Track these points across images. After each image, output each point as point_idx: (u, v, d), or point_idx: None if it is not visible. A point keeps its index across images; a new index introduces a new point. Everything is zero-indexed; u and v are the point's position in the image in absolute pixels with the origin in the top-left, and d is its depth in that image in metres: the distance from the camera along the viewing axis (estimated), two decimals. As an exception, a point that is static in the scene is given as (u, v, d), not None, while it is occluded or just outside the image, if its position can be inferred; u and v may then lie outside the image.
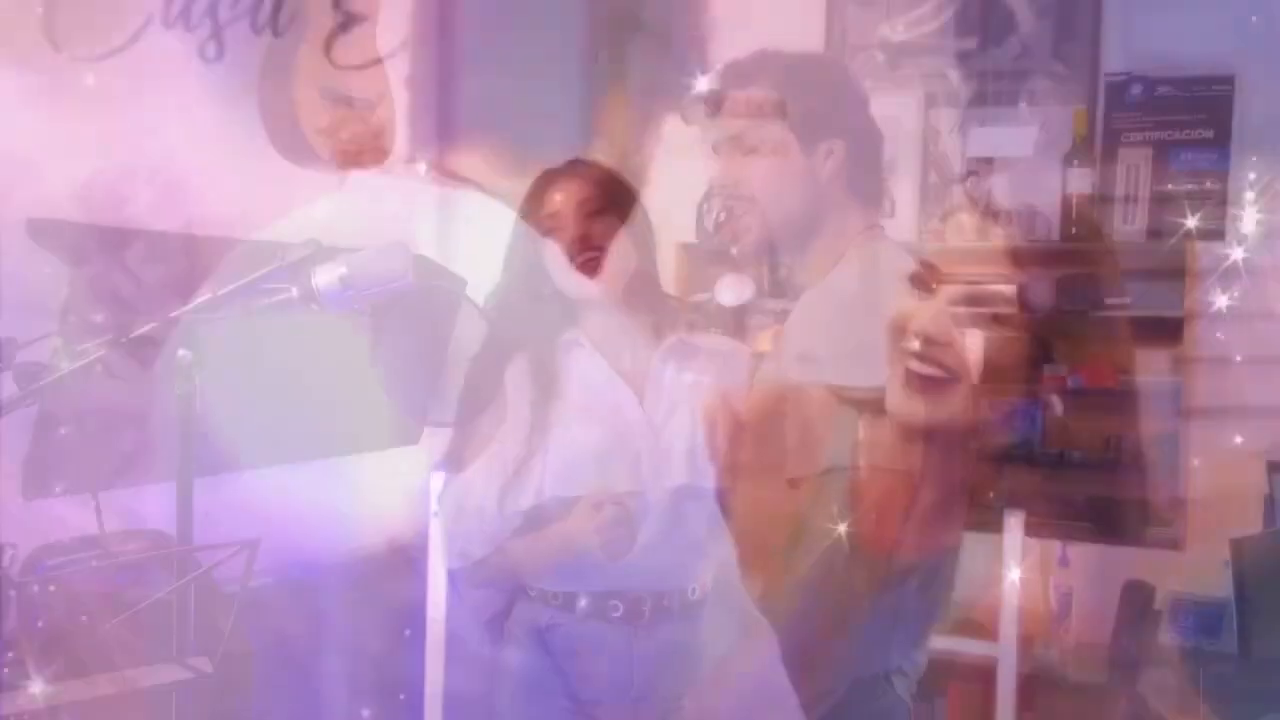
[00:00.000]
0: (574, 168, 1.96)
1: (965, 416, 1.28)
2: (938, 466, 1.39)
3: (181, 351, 1.39)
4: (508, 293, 1.97)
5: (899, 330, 1.27)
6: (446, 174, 2.85)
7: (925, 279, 1.30)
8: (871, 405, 1.40)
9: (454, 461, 1.94)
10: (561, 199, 1.91)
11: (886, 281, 1.61)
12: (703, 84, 1.68)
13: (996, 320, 3.01)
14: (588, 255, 1.88)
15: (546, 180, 1.95)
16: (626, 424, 1.90)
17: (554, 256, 1.91)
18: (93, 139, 2.11)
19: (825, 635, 1.49)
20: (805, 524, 1.45)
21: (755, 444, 1.53)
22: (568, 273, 1.90)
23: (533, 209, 1.93)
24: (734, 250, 1.67)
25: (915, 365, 1.26)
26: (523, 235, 1.95)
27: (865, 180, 1.66)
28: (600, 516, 1.79)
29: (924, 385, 1.27)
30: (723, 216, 1.64)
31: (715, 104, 1.66)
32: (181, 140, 2.27)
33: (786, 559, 1.48)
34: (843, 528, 1.41)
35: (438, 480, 2.48)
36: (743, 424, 1.52)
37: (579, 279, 1.90)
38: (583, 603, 1.90)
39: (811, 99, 1.64)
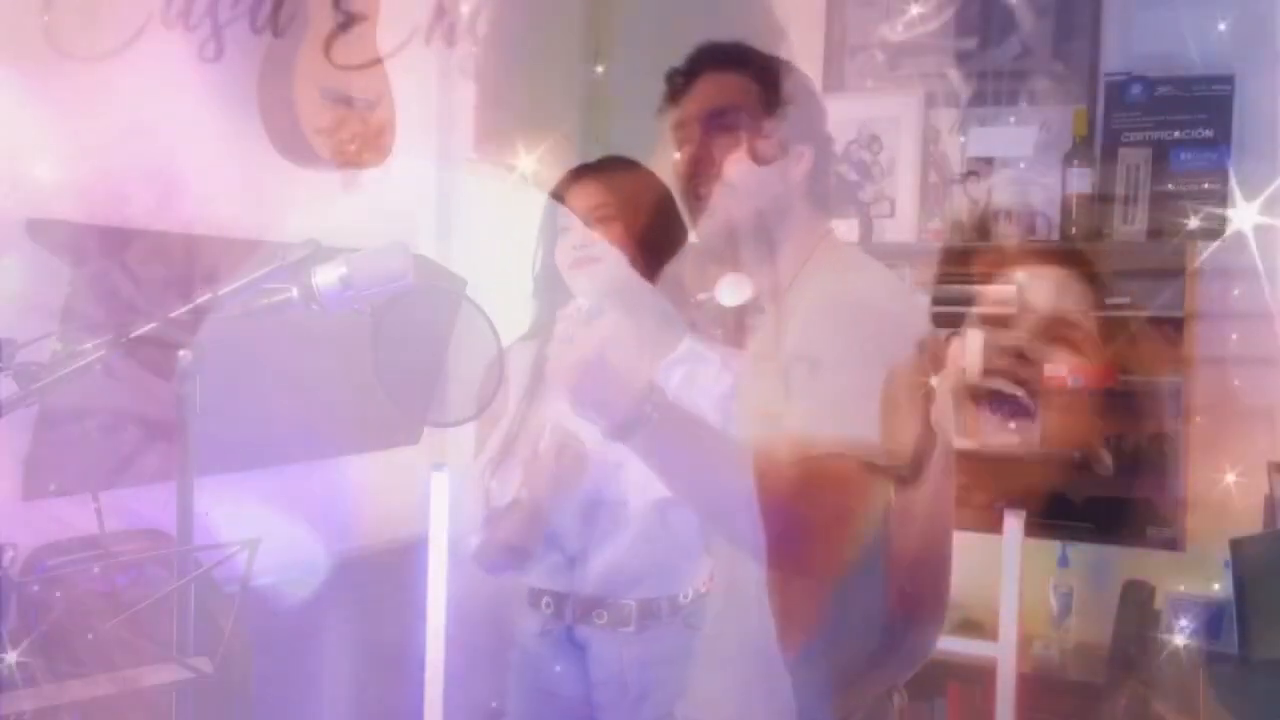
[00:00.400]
0: (602, 166, 1.95)
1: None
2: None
3: (181, 351, 1.38)
4: (532, 285, 1.98)
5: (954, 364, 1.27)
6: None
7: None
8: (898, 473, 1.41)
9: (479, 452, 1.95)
10: (573, 197, 1.91)
11: (864, 284, 1.61)
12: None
13: (997, 320, 3.01)
14: (582, 255, 1.88)
15: (572, 177, 1.94)
16: None
17: (560, 253, 1.91)
18: (92, 139, 2.11)
19: (857, 657, 1.49)
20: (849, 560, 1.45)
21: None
22: (566, 271, 1.91)
23: (555, 204, 1.93)
24: (694, 236, 1.65)
25: (1003, 385, 1.26)
26: (543, 230, 1.96)
27: (824, 189, 1.67)
28: (554, 454, 1.80)
29: (1005, 411, 1.27)
30: (690, 199, 1.62)
31: (689, 77, 1.65)
32: (181, 141, 2.27)
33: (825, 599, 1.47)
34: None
35: (438, 480, 2.48)
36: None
37: (574, 278, 1.90)
38: (569, 609, 1.90)
39: (790, 101, 1.65)
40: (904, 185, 3.17)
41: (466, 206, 3.02)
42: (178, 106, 2.28)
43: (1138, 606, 2.83)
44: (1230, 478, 2.78)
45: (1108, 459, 2.98)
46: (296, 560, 2.32)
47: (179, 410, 1.40)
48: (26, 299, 1.93)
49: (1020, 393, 1.31)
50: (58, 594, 1.59)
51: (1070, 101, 3.05)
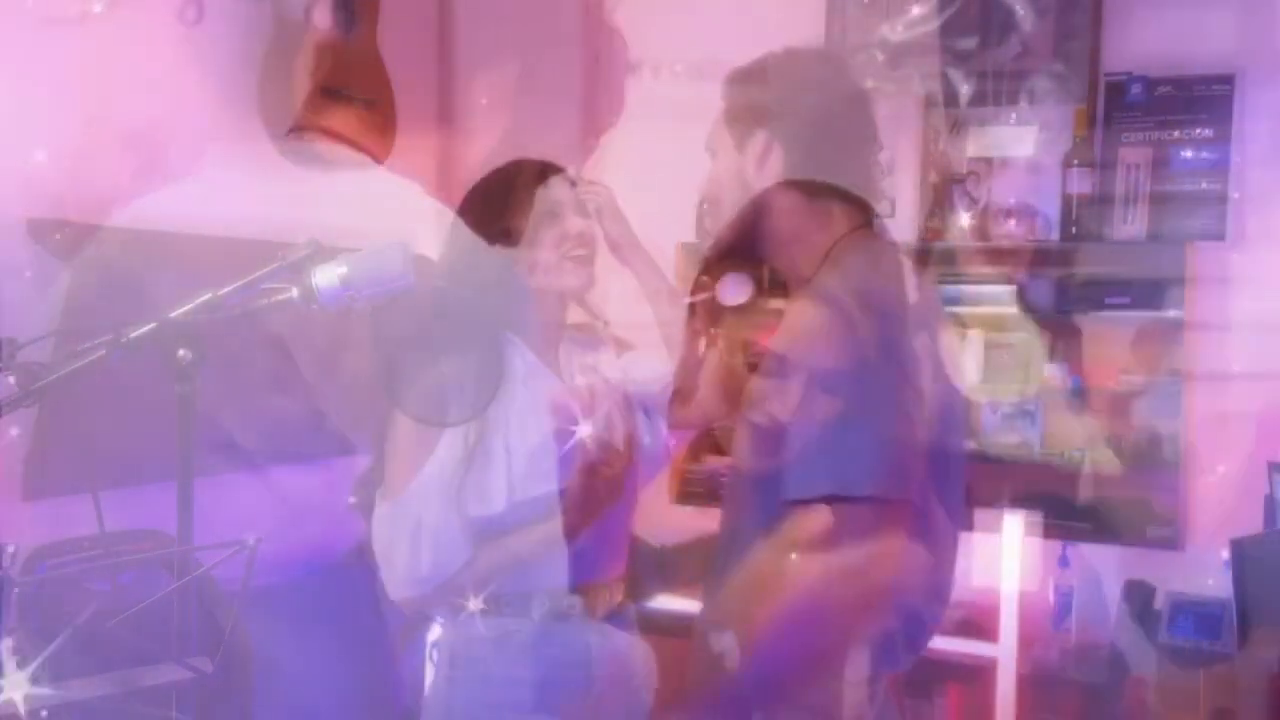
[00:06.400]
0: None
1: None
2: None
3: (181, 351, 1.38)
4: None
5: None
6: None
7: None
8: None
9: (389, 486, 1.87)
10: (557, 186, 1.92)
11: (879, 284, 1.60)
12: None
13: (996, 320, 3.02)
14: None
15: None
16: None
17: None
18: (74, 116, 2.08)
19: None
20: None
21: None
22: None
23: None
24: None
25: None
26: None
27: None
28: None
29: None
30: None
31: None
32: (172, 134, 2.25)
33: None
34: None
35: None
36: None
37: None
38: (538, 604, 1.84)
39: (749, 95, 1.64)
40: (904, 185, 3.17)
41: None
42: (162, 75, 2.24)
43: (1138, 606, 2.83)
44: (1229, 478, 2.78)
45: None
46: (296, 560, 2.32)
47: (179, 410, 1.40)
48: (26, 299, 1.93)
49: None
50: (58, 594, 1.59)
51: (1070, 101, 3.05)
